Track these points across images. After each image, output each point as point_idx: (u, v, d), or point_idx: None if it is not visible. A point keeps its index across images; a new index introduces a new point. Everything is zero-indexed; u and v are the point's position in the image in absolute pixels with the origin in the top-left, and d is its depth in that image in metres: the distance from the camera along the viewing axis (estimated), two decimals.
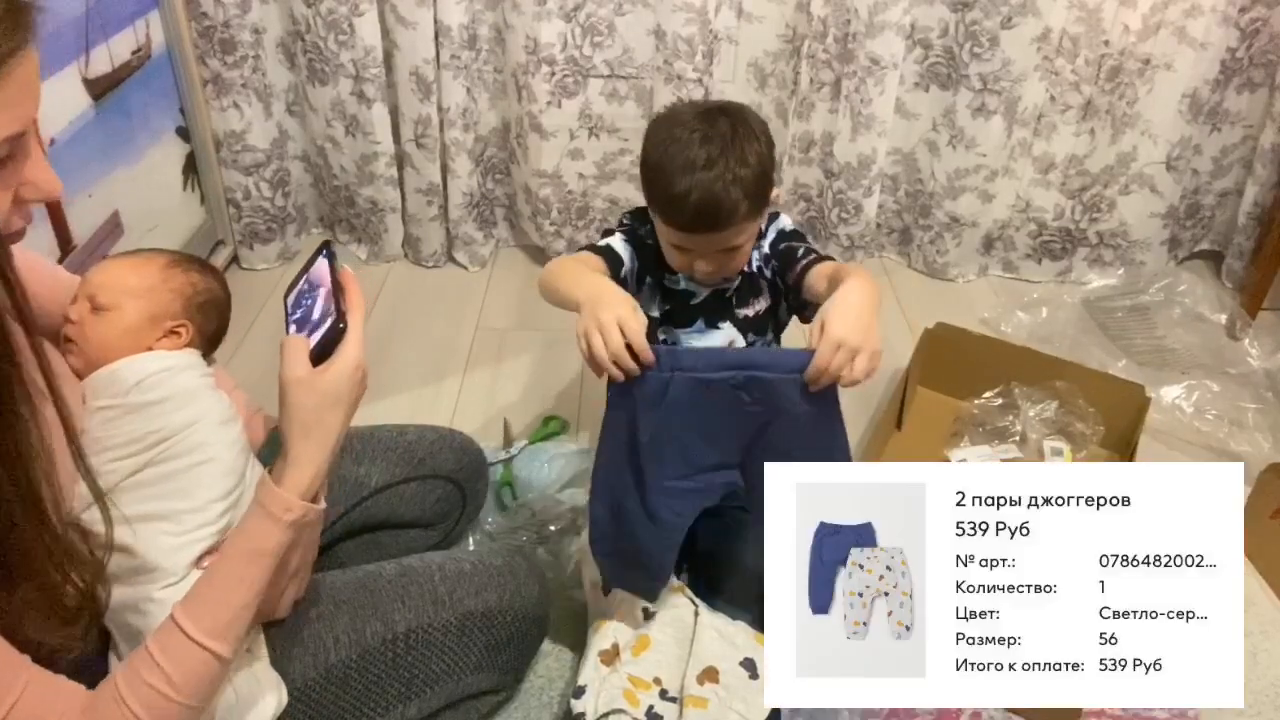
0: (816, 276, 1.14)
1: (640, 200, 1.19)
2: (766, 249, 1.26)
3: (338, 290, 0.82)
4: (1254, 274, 2.03)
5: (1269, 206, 2.06)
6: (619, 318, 0.94)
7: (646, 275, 1.25)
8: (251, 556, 0.76)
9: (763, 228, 1.25)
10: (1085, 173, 2.07)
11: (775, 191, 1.17)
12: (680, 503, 1.04)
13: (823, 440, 1.00)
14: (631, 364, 0.95)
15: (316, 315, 0.82)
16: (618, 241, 1.23)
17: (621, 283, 1.19)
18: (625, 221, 1.27)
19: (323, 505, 0.79)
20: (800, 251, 1.21)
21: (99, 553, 0.81)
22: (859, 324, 0.93)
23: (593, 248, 1.22)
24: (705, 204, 1.07)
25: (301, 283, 0.87)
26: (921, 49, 1.97)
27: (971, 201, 2.07)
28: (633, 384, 0.97)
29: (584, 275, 1.08)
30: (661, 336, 1.28)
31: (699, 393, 0.98)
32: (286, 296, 0.88)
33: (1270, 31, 1.92)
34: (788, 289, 1.24)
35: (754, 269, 1.26)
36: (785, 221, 1.27)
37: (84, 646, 0.73)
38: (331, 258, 0.86)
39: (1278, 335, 1.91)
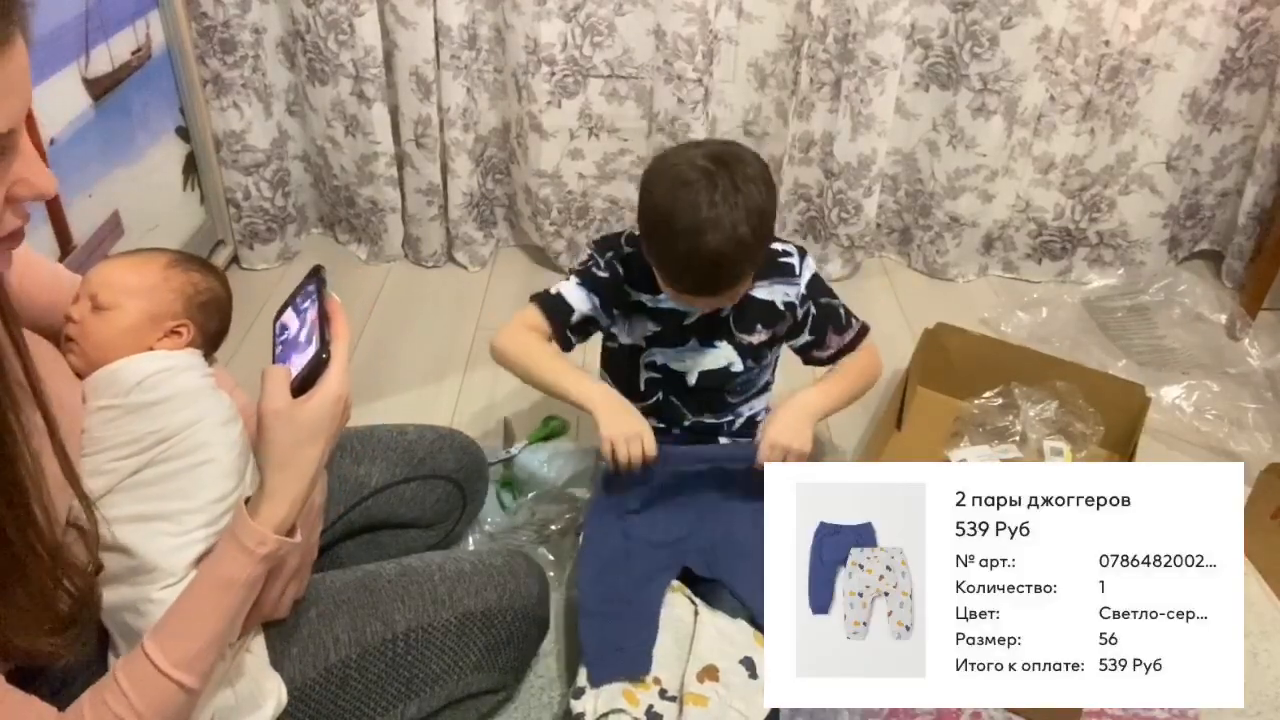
0: (842, 363, 1.32)
1: (635, 206, 1.19)
2: (804, 289, 1.27)
3: (323, 319, 0.80)
4: (1254, 274, 2.03)
5: (1269, 206, 2.06)
6: (640, 435, 1.15)
7: (614, 305, 1.25)
8: (222, 587, 0.75)
9: (796, 266, 1.27)
10: (1085, 173, 2.07)
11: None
12: (662, 557, 1.19)
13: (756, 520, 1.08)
14: (640, 465, 1.16)
15: (301, 343, 0.81)
16: (570, 288, 1.24)
17: (578, 327, 1.25)
18: (588, 256, 1.26)
19: (298, 538, 0.78)
20: (843, 317, 1.31)
21: (92, 558, 0.81)
22: (794, 430, 1.19)
23: (541, 298, 1.24)
24: (710, 273, 1.09)
25: (289, 308, 0.86)
26: (921, 49, 1.97)
27: (971, 201, 2.07)
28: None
29: (582, 379, 1.19)
30: (651, 358, 1.28)
31: (678, 474, 1.22)
32: (275, 321, 0.86)
33: (1270, 31, 1.92)
34: (818, 343, 1.31)
35: (778, 301, 1.26)
36: (813, 264, 1.30)
37: (75, 654, 0.72)
38: (321, 284, 0.84)
39: (1278, 335, 1.91)
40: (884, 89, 1.92)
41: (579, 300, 1.23)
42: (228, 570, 0.75)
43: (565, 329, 1.24)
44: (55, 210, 1.42)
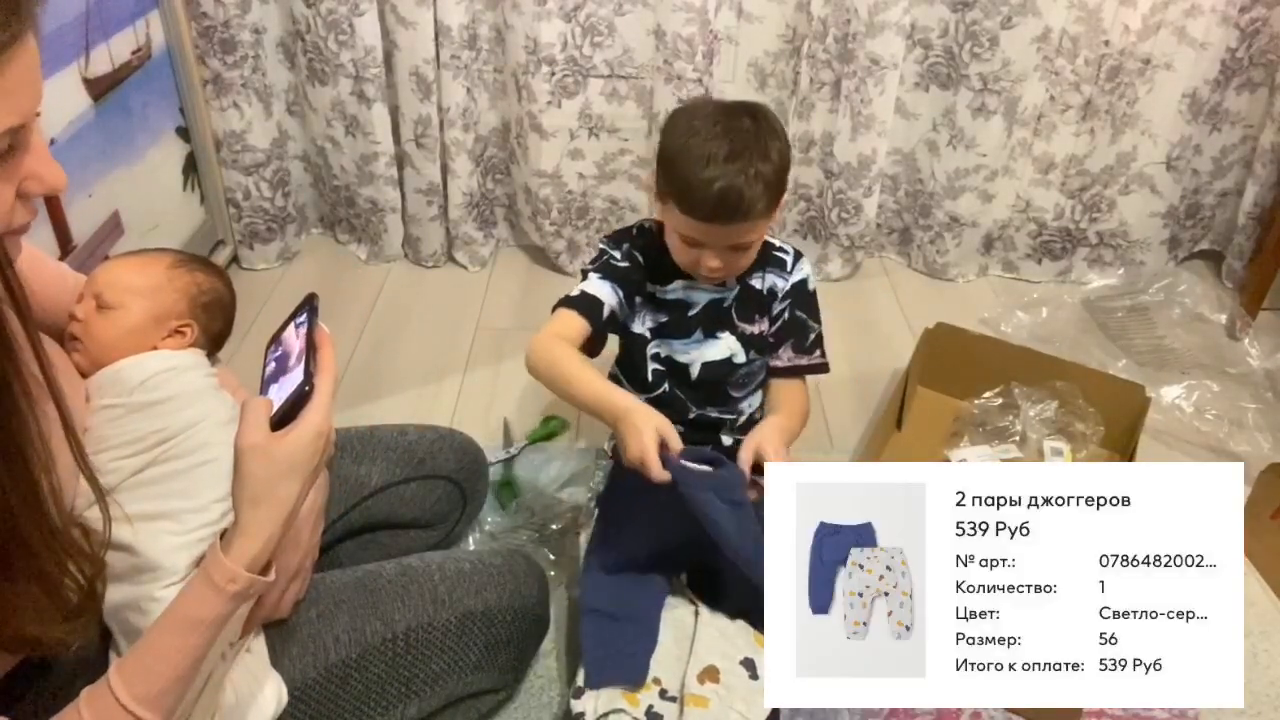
0: (784, 394, 1.28)
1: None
2: (789, 288, 1.26)
3: (310, 350, 0.77)
4: (1254, 274, 2.03)
5: (1269, 206, 2.06)
6: (660, 429, 1.06)
7: (636, 295, 1.25)
8: (190, 625, 0.72)
9: (788, 264, 1.26)
10: (1085, 173, 2.07)
11: (784, 198, 1.18)
12: (666, 565, 1.18)
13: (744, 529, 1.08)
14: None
15: (286, 372, 0.78)
16: (594, 283, 1.23)
17: (609, 322, 1.22)
18: (601, 250, 1.26)
19: (271, 577, 0.76)
20: (810, 340, 1.28)
21: (100, 550, 0.81)
22: (770, 442, 1.11)
23: (570, 301, 1.22)
24: (726, 195, 1.07)
25: (280, 336, 0.83)
26: (921, 49, 1.97)
27: (971, 201, 2.07)
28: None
29: (608, 388, 1.14)
30: (656, 350, 1.27)
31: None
32: (266, 348, 0.84)
33: (1270, 31, 1.92)
34: (774, 349, 1.29)
35: (764, 290, 1.26)
36: (808, 269, 1.29)
37: (81, 642, 0.72)
38: (312, 313, 0.81)
39: (1278, 335, 1.91)
40: (884, 89, 1.92)
41: (606, 294, 1.22)
42: (194, 608, 0.72)
43: (600, 327, 1.21)
44: (55, 210, 1.42)
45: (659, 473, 1.03)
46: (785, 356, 1.28)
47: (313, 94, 1.96)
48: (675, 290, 1.24)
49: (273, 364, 0.81)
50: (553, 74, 1.91)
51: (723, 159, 1.07)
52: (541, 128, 1.96)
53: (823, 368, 1.30)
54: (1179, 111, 1.99)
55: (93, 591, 0.72)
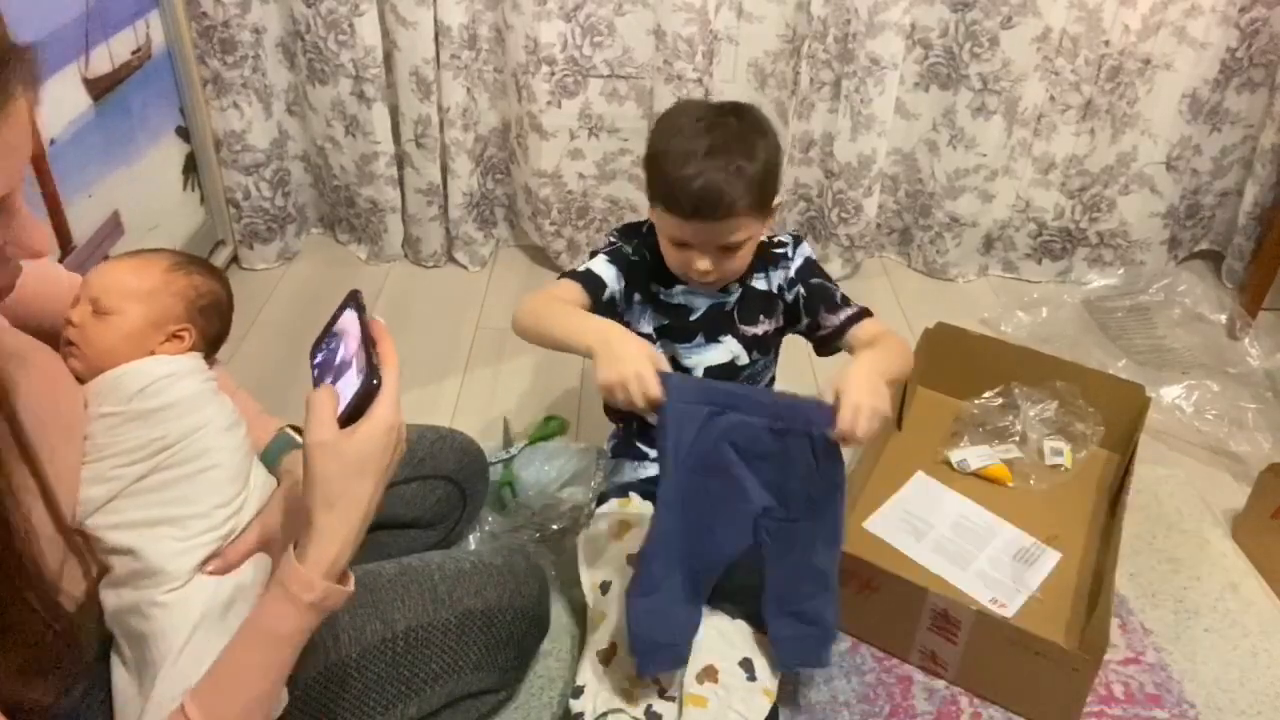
0: (863, 337, 1.21)
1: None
2: (793, 273, 1.25)
3: (368, 343, 0.74)
4: (1254, 274, 2.03)
5: (1269, 206, 2.06)
6: (638, 375, 0.97)
7: (635, 292, 1.24)
8: (267, 641, 0.69)
9: (789, 253, 1.25)
10: (1085, 173, 2.07)
11: (777, 201, 1.17)
12: (730, 529, 1.07)
13: (824, 495, 1.04)
14: (648, 406, 0.99)
15: (344, 369, 0.75)
16: (600, 264, 1.22)
17: (607, 305, 1.20)
18: (612, 240, 1.26)
19: (350, 587, 0.72)
20: (839, 297, 1.24)
21: (102, 557, 0.81)
22: (869, 387, 1.00)
23: (573, 274, 1.21)
24: (707, 191, 1.07)
25: (327, 336, 0.80)
26: (921, 49, 1.97)
27: (971, 201, 2.07)
28: (674, 422, 1.01)
29: (584, 319, 1.09)
30: (661, 351, 1.25)
31: (739, 436, 1.03)
32: (312, 352, 0.80)
33: (1270, 31, 1.92)
34: (815, 325, 1.25)
35: (773, 289, 1.25)
36: (808, 250, 1.27)
37: (62, 697, 0.68)
38: (360, 309, 0.78)
39: (1278, 335, 1.91)
40: (884, 89, 1.92)
41: (610, 278, 1.21)
42: (271, 622, 0.69)
43: (598, 306, 1.19)
44: (55, 210, 1.43)
45: (655, 388, 0.96)
46: (829, 322, 1.23)
47: (313, 94, 1.96)
48: (677, 294, 1.24)
49: (324, 361, 0.78)
50: (553, 74, 1.91)
51: (703, 155, 1.07)
52: (541, 128, 1.96)
53: (867, 311, 1.24)
54: (1179, 111, 1.99)
55: (73, 645, 0.69)
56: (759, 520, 1.06)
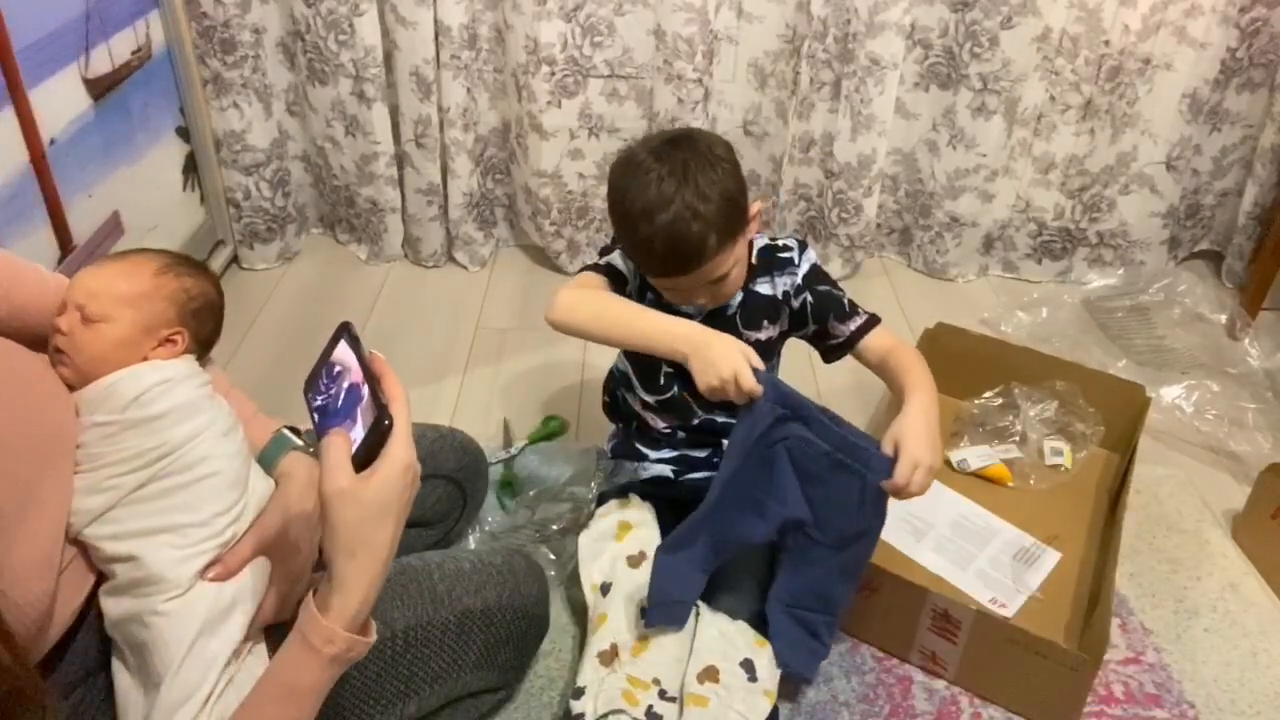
0: (874, 348, 1.23)
1: None
2: (800, 280, 1.24)
3: (371, 379, 0.71)
4: (1254, 274, 2.03)
5: (1269, 206, 2.06)
6: (736, 376, 1.02)
7: (648, 291, 1.24)
8: (287, 694, 0.67)
9: (795, 258, 1.24)
10: (1085, 173, 2.07)
11: (755, 205, 1.16)
12: (758, 522, 1.11)
13: (856, 534, 1.09)
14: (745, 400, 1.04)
15: (350, 409, 0.72)
16: (619, 260, 1.22)
17: (628, 295, 1.21)
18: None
19: (373, 637, 0.70)
20: (847, 304, 1.25)
21: (101, 566, 0.80)
22: (930, 444, 1.05)
23: (595, 267, 1.22)
24: (671, 249, 1.07)
25: (322, 373, 0.76)
26: (921, 49, 1.97)
27: (971, 201, 2.07)
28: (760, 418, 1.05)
29: (667, 320, 1.11)
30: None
31: (797, 447, 1.08)
32: (307, 390, 0.77)
33: (1270, 31, 1.92)
34: (824, 333, 1.26)
35: (778, 294, 1.25)
36: (813, 255, 1.27)
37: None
38: (355, 341, 0.74)
39: (1278, 335, 1.91)
40: (884, 89, 1.92)
41: (629, 274, 1.21)
42: (292, 674, 0.67)
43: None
44: (55, 210, 1.42)
45: (755, 386, 1.01)
46: (839, 331, 1.24)
47: (313, 94, 1.96)
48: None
49: (326, 402, 0.74)
50: (553, 74, 1.91)
51: (658, 210, 1.05)
52: (541, 128, 1.96)
53: (876, 319, 1.25)
54: (1179, 111, 1.99)
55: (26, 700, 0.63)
56: (788, 525, 1.10)
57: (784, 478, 1.08)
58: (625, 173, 1.11)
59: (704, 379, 1.04)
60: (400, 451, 0.70)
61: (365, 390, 0.71)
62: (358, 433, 0.71)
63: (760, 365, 1.05)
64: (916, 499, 1.07)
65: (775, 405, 1.05)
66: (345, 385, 0.74)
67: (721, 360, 1.03)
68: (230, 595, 0.81)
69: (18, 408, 0.78)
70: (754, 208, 1.16)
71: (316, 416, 0.75)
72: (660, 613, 1.11)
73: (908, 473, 1.03)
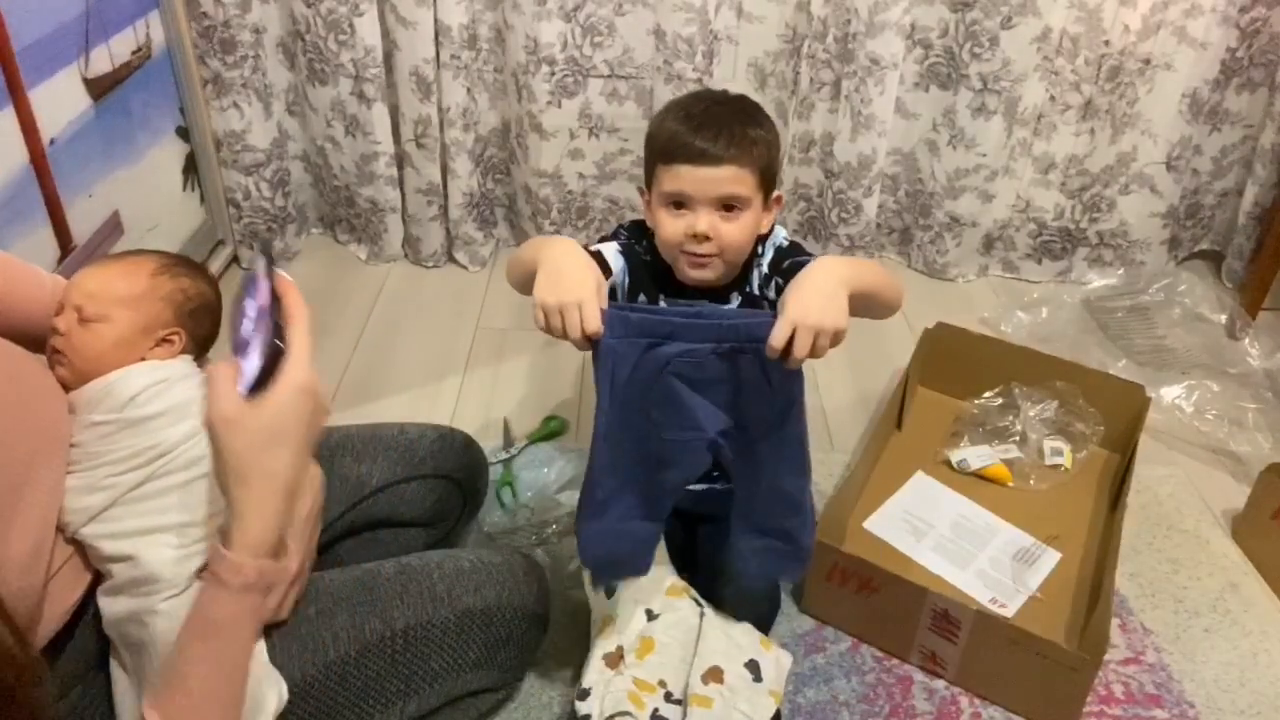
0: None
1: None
2: (766, 268, 1.17)
3: (274, 303, 0.70)
4: (1254, 274, 2.03)
5: (1269, 206, 2.06)
6: (579, 304, 0.92)
7: (641, 293, 1.20)
8: (205, 629, 0.67)
9: (759, 248, 1.17)
10: (1085, 173, 2.07)
11: (776, 192, 1.15)
12: (683, 456, 1.03)
13: (780, 415, 1.00)
14: (585, 340, 0.94)
15: (251, 336, 0.71)
16: (611, 251, 1.16)
17: (611, 292, 1.12)
18: (622, 232, 1.22)
19: (283, 562, 0.70)
20: (806, 262, 1.15)
21: (98, 565, 0.80)
22: (816, 302, 0.91)
23: (584, 249, 1.19)
24: (712, 126, 1.05)
25: (241, 301, 0.75)
26: (921, 49, 1.97)
27: (971, 201, 2.07)
28: (611, 353, 0.96)
29: (551, 239, 1.03)
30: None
31: (683, 367, 0.98)
32: (233, 313, 0.76)
33: (1270, 31, 1.92)
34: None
35: (755, 291, 1.20)
36: (780, 236, 1.19)
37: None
38: (269, 263, 0.74)
39: (1278, 335, 1.91)
40: (884, 89, 1.93)
41: (618, 268, 1.15)
42: (206, 609, 0.67)
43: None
44: (55, 210, 1.42)
45: (596, 322, 0.91)
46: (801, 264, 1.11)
47: (313, 94, 1.96)
48: (680, 301, 1.21)
49: (237, 335, 0.74)
50: (553, 74, 1.91)
51: (701, 111, 1.08)
52: (541, 128, 1.96)
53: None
54: (1179, 111, 1.99)
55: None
56: (717, 443, 1.02)
57: (690, 402, 0.99)
58: (678, 99, 1.15)
59: (542, 296, 0.93)
60: (293, 374, 0.68)
61: (267, 316, 0.70)
62: (253, 359, 0.69)
63: (605, 302, 0.95)
64: (916, 501, 1.05)
65: (634, 339, 0.95)
66: (253, 314, 0.73)
67: (571, 286, 0.92)
68: None
69: (9, 403, 0.78)
70: (776, 193, 1.13)
71: (233, 352, 0.75)
72: (605, 573, 1.11)
73: (783, 335, 0.90)
